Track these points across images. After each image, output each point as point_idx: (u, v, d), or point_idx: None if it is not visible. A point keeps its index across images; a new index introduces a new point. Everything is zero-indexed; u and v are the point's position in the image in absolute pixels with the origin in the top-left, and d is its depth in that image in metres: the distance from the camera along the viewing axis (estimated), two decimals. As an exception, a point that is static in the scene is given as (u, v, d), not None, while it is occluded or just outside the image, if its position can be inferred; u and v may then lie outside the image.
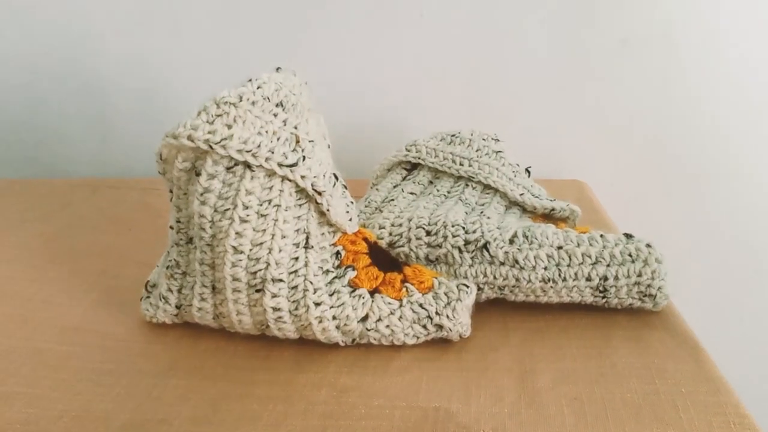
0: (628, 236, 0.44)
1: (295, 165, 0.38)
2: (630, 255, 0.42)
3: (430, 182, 0.55)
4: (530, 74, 0.74)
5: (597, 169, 0.76)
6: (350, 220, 0.43)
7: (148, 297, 0.45)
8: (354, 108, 0.77)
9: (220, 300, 0.41)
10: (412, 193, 0.53)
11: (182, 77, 0.78)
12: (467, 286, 0.41)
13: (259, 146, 0.37)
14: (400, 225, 0.47)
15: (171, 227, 0.42)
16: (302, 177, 0.39)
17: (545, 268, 0.43)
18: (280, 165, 0.38)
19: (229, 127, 0.36)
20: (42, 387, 0.38)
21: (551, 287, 0.43)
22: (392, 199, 0.52)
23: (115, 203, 0.68)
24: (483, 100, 0.75)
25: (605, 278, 0.42)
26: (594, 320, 0.43)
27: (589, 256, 0.43)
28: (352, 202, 0.44)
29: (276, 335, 0.41)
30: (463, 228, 0.45)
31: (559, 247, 0.43)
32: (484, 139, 0.56)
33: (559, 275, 0.43)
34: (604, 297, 0.43)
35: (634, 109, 0.75)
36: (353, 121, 0.77)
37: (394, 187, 0.55)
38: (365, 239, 0.44)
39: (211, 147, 0.36)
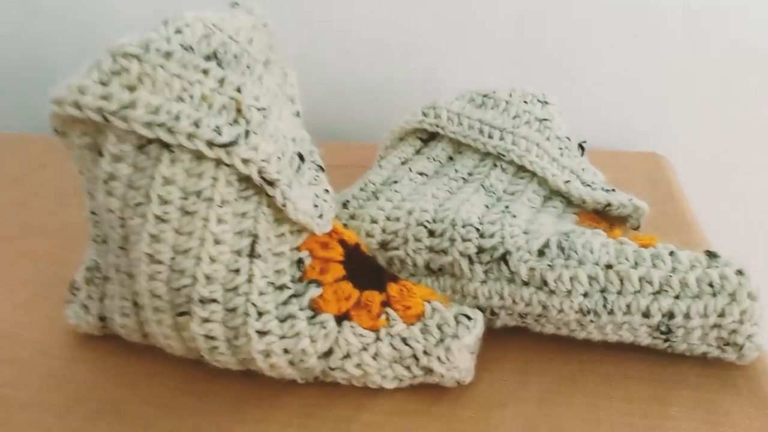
0: (712, 255, 0.32)
1: (233, 144, 0.29)
2: (711, 285, 0.31)
3: (450, 158, 0.44)
4: (597, 14, 0.60)
5: (681, 141, 0.63)
6: (320, 216, 0.33)
7: (73, 301, 0.37)
8: (375, 57, 0.66)
9: (144, 318, 0.32)
10: (421, 174, 0.42)
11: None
12: (470, 318, 0.31)
13: (177, 117, 0.28)
14: (398, 219, 0.37)
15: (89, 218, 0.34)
16: (244, 161, 0.29)
17: (585, 295, 0.32)
18: (210, 144, 0.28)
19: (132, 89, 0.27)
20: None
21: (591, 321, 0.32)
22: (395, 181, 0.42)
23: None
24: (536, 49, 0.63)
25: (671, 315, 0.31)
26: (650, 370, 0.33)
27: (650, 282, 0.31)
28: (327, 191, 0.35)
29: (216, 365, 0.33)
30: (478, 230, 0.35)
31: (608, 266, 0.32)
32: (525, 102, 0.44)
33: (605, 306, 0.32)
34: (667, 340, 0.32)
35: (736, 64, 0.60)
36: (373, 74, 0.66)
37: (403, 163, 0.44)
38: (342, 241, 0.34)
39: (105, 118, 0.27)
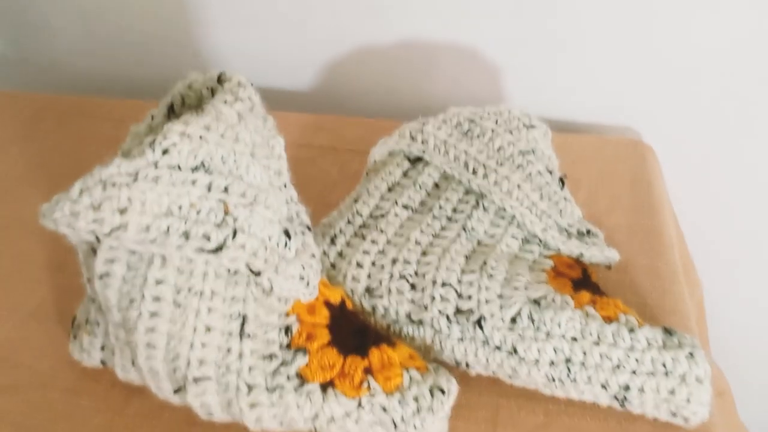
0: (669, 332, 0.35)
1: (221, 248, 0.30)
2: (664, 365, 0.34)
3: (436, 185, 0.45)
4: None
5: (670, 129, 0.63)
6: (308, 284, 0.35)
7: (76, 337, 0.40)
8: (371, 25, 0.64)
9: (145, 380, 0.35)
10: (406, 207, 0.44)
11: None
12: (443, 392, 0.34)
13: (167, 232, 0.29)
14: (382, 268, 0.40)
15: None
16: (232, 259, 0.31)
17: (551, 364, 0.35)
18: (199, 251, 0.30)
19: (122, 212, 0.28)
20: None
21: (557, 387, 0.36)
22: (381, 215, 0.43)
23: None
24: (533, 20, 0.60)
25: (627, 388, 0.35)
26: (606, 426, 0.36)
27: (610, 359, 0.35)
28: (313, 255, 0.36)
29: (213, 418, 0.36)
30: (456, 290, 0.37)
31: (573, 339, 0.35)
32: (510, 132, 0.45)
33: (568, 375, 0.35)
34: (623, 405, 0.36)
35: (741, 46, 0.58)
36: (369, 40, 0.64)
37: (390, 189, 0.45)
38: (327, 304, 0.36)
39: (98, 240, 0.28)
